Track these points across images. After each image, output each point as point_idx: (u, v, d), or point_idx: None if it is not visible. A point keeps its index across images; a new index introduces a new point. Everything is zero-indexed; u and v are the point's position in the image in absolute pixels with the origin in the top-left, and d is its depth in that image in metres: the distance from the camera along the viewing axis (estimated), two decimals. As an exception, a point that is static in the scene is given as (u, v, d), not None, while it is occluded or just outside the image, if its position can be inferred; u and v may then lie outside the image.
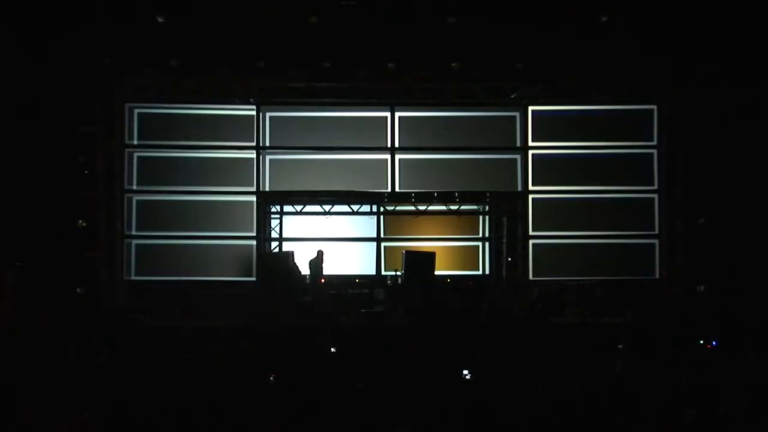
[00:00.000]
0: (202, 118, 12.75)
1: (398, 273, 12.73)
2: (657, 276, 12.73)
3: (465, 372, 6.62)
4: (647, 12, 11.59)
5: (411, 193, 13.35)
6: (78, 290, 11.86)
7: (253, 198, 12.72)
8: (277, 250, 14.14)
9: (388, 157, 12.76)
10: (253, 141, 12.70)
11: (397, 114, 12.78)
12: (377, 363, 7.19)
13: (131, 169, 12.64)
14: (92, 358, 7.62)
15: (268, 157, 12.76)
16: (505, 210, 14.04)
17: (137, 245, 12.59)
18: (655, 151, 12.79)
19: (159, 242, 12.68)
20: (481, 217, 14.91)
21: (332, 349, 8.79)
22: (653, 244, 12.77)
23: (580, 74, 12.36)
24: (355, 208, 14.44)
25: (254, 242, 12.67)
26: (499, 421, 5.22)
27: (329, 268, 12.84)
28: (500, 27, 11.63)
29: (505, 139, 12.86)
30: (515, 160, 12.85)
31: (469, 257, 15.00)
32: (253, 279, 12.57)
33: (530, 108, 12.79)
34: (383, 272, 13.98)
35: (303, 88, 12.58)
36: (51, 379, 6.37)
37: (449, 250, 14.99)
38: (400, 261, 12.57)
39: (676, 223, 12.62)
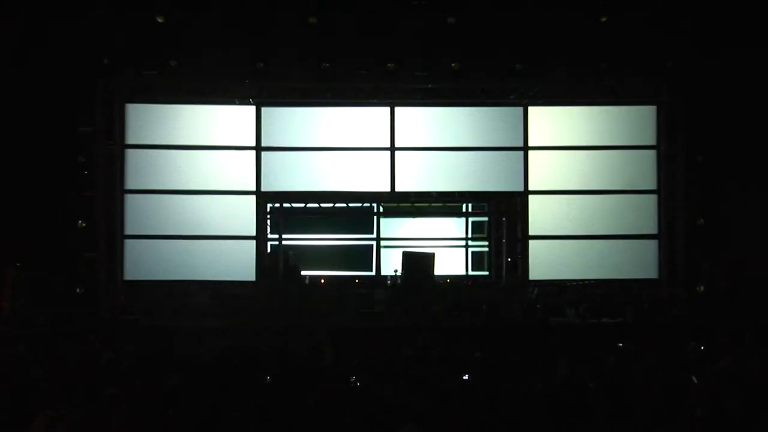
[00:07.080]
0: (202, 118, 12.73)
1: (397, 273, 12.75)
2: (657, 276, 12.73)
3: (464, 372, 6.62)
4: (646, 13, 11.60)
5: (410, 193, 13.33)
6: (78, 290, 11.87)
7: (253, 198, 12.70)
8: (276, 250, 14.13)
9: (387, 156, 12.75)
10: (253, 141, 12.68)
11: (397, 113, 12.77)
12: (376, 363, 7.19)
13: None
14: (91, 359, 7.62)
15: (268, 157, 12.74)
16: (505, 210, 14.03)
17: (137, 245, 12.57)
18: (654, 151, 12.80)
19: (159, 242, 12.65)
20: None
21: (330, 354, 8.80)
22: (653, 244, 12.77)
23: (579, 74, 12.38)
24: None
25: (254, 242, 12.65)
26: (498, 421, 5.23)
27: (330, 269, 12.82)
28: (500, 27, 11.64)
29: (504, 139, 12.85)
30: (515, 160, 12.83)
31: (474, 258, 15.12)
32: (253, 279, 12.55)
33: (530, 108, 12.79)
34: (382, 272, 13.97)
35: (303, 88, 12.58)
36: (50, 379, 6.37)
37: (449, 251, 15.04)
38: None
39: (676, 223, 12.63)
